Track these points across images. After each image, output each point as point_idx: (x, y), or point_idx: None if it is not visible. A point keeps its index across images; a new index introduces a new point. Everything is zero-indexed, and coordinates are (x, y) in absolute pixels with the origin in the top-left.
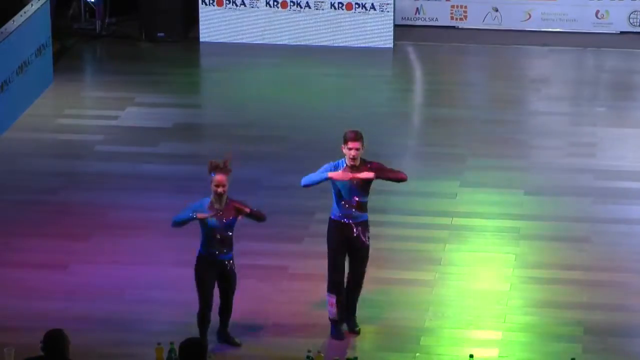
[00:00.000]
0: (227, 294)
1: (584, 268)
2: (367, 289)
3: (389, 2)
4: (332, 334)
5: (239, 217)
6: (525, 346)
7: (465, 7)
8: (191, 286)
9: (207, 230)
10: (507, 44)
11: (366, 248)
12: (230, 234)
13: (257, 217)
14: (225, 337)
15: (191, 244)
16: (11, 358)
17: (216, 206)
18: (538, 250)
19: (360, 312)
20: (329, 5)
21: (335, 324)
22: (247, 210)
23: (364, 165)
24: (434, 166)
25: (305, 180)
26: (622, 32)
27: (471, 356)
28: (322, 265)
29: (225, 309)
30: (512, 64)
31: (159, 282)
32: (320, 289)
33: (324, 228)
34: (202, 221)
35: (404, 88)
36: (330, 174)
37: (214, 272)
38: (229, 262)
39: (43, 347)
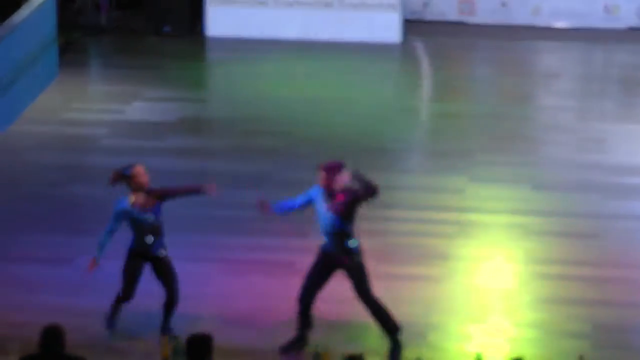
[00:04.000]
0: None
1: (593, 264)
2: (375, 284)
3: None
4: None
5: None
6: (534, 342)
7: (473, 2)
8: (196, 281)
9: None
10: (516, 39)
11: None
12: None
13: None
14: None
15: (197, 239)
16: (15, 352)
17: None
18: (547, 246)
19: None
20: (337, 0)
21: None
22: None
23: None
24: (442, 161)
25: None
26: (631, 28)
27: (479, 352)
28: None
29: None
30: (520, 60)
31: None
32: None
33: None
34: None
35: (412, 83)
36: None
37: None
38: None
39: (40, 342)
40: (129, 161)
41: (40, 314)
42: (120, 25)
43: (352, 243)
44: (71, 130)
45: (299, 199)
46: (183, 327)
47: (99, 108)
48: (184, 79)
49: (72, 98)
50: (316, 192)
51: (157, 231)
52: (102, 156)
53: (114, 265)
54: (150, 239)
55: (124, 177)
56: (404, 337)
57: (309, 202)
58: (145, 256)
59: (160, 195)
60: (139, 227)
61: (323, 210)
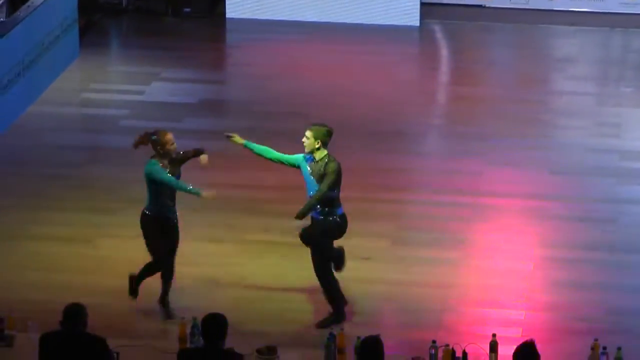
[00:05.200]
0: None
1: (608, 249)
2: (391, 267)
3: None
4: None
5: None
6: (548, 326)
7: None
8: (215, 261)
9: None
10: (534, 23)
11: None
12: None
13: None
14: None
15: (216, 219)
16: (35, 331)
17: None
18: (562, 230)
19: (384, 289)
20: None
21: None
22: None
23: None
24: (459, 145)
25: None
26: None
27: (494, 335)
28: (346, 243)
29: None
30: (538, 44)
31: (183, 257)
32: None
33: (349, 205)
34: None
35: (430, 66)
36: None
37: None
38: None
39: (62, 321)
40: None
41: (59, 293)
42: (141, 6)
43: (333, 211)
44: (91, 110)
45: (285, 156)
46: (200, 308)
47: (119, 89)
48: (204, 61)
49: (91, 79)
50: (303, 157)
51: (174, 198)
52: (121, 137)
53: (133, 245)
54: (171, 204)
55: (152, 141)
56: (419, 319)
57: (294, 165)
58: (160, 222)
59: (181, 162)
60: (164, 191)
61: (308, 174)
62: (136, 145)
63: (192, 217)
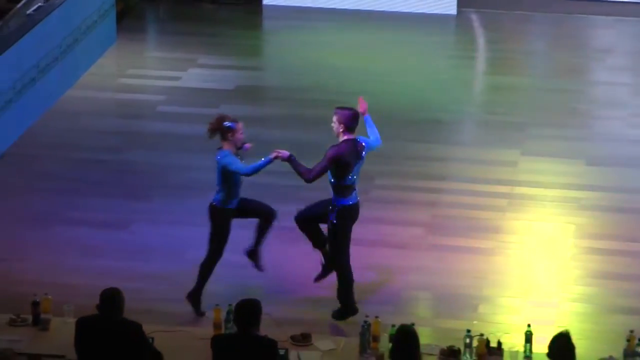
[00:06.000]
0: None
1: None
2: (426, 256)
3: None
4: None
5: None
6: (583, 317)
7: None
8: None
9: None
10: (572, 12)
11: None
12: None
13: None
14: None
15: None
16: (71, 315)
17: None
18: (599, 221)
19: (418, 277)
20: None
21: None
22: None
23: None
24: (495, 134)
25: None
26: None
27: (529, 325)
28: (381, 231)
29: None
30: (576, 34)
31: None
32: (378, 255)
33: (384, 193)
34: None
35: (467, 55)
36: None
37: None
38: None
39: (99, 305)
40: (184, 127)
41: (95, 278)
42: None
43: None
44: (127, 96)
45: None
46: (234, 294)
47: (156, 74)
48: (240, 47)
49: (128, 64)
50: None
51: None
52: (158, 122)
53: (169, 230)
54: (240, 193)
55: (225, 128)
56: (454, 308)
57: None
58: (231, 213)
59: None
60: (237, 181)
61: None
62: (211, 133)
63: None
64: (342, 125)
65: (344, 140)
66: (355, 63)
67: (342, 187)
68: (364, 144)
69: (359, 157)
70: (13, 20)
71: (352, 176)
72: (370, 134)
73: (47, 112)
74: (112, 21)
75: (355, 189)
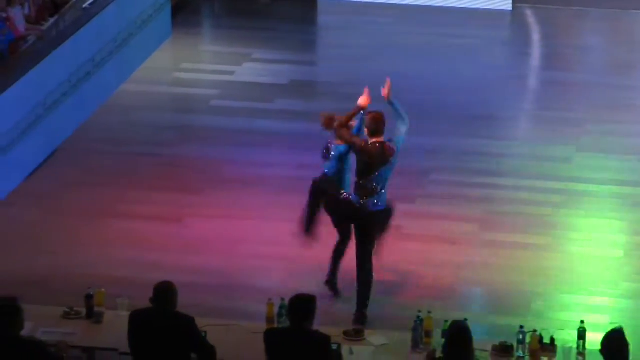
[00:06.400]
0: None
1: None
2: (480, 252)
3: None
4: None
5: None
6: (636, 313)
7: None
8: (302, 243)
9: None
10: (627, 8)
11: None
12: None
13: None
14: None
15: (304, 201)
16: (124, 308)
17: None
18: None
19: (472, 273)
20: None
21: None
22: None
23: None
24: (550, 130)
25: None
26: None
27: (582, 322)
28: (435, 226)
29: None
30: (632, 29)
31: (270, 237)
32: (432, 250)
33: (438, 189)
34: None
35: (522, 51)
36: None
37: None
38: None
39: (152, 298)
40: (237, 122)
41: (148, 271)
42: None
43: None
44: (182, 90)
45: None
46: (287, 289)
47: (210, 69)
48: (295, 42)
49: (183, 58)
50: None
51: None
52: (211, 117)
53: (222, 225)
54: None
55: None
56: (507, 304)
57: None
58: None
59: None
60: (346, 167)
61: None
62: (327, 125)
63: (279, 197)
64: (366, 129)
65: (372, 142)
66: (410, 58)
67: (361, 186)
68: (395, 148)
69: (385, 161)
70: (69, 14)
71: (374, 182)
72: (398, 124)
73: (102, 106)
74: (168, 15)
75: (376, 195)
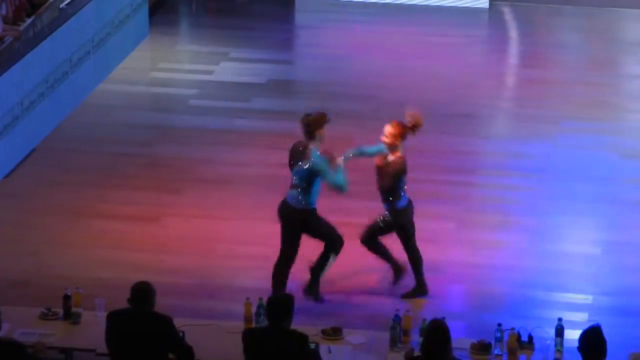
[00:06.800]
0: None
1: None
2: (458, 250)
3: None
4: None
5: None
6: (614, 311)
7: None
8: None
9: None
10: (604, 6)
11: None
12: None
13: None
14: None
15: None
16: (102, 308)
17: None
18: (631, 215)
19: (450, 271)
20: None
21: None
22: None
23: None
24: (528, 127)
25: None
26: None
27: (560, 319)
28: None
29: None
30: (608, 27)
31: (249, 237)
32: None
33: (417, 187)
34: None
35: (499, 49)
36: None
37: None
38: None
39: (130, 299)
40: (216, 121)
41: (126, 271)
42: None
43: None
44: (160, 90)
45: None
46: (266, 288)
47: (188, 68)
48: (272, 41)
49: (161, 58)
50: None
51: None
52: (190, 116)
53: (199, 224)
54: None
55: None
56: (485, 301)
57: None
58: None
59: None
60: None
61: None
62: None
63: (258, 196)
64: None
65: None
66: (387, 57)
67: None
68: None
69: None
70: (46, 14)
71: (293, 175)
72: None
73: (80, 106)
74: (145, 15)
75: (295, 190)
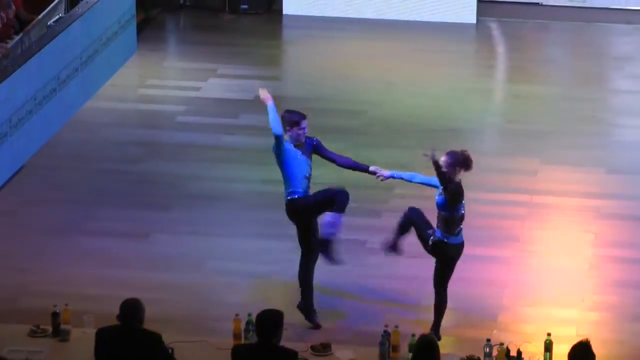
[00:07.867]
0: None
1: None
2: None
3: None
4: None
5: None
6: (603, 325)
7: None
8: (270, 258)
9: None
10: (591, 21)
11: None
12: None
13: None
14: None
15: (271, 217)
16: (91, 325)
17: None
18: (618, 230)
19: None
20: None
21: None
22: None
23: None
24: (515, 143)
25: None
26: None
27: (549, 334)
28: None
29: None
30: (595, 42)
31: (238, 253)
32: (397, 264)
33: (404, 202)
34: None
35: (486, 64)
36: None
37: None
38: None
39: (119, 315)
40: (204, 138)
41: (115, 288)
42: (198, 3)
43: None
44: (147, 106)
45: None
46: (255, 304)
47: (176, 85)
48: (260, 57)
49: (149, 75)
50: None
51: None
52: (178, 133)
53: (189, 241)
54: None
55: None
56: (474, 318)
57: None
58: None
59: None
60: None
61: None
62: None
63: (246, 213)
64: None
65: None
66: (375, 72)
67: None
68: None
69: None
70: (34, 31)
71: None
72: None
73: (68, 123)
74: (133, 32)
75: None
